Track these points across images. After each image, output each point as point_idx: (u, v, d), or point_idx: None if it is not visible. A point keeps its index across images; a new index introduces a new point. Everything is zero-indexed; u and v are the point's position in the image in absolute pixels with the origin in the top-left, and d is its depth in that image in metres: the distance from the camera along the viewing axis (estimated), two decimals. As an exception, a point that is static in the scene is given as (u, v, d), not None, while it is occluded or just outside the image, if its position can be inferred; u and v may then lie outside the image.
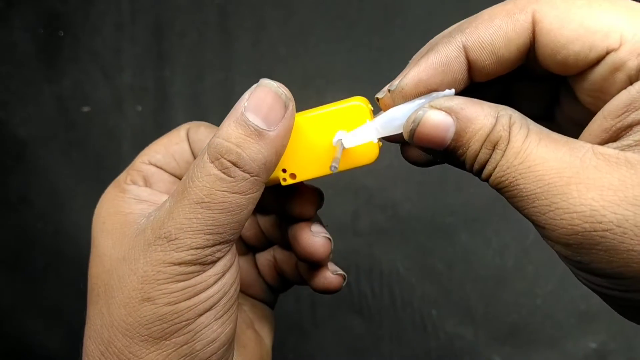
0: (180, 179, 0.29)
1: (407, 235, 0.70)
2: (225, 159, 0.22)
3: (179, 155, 0.29)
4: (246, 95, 0.23)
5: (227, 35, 0.73)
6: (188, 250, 0.22)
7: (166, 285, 0.23)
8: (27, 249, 0.73)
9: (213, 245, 0.23)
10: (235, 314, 0.25)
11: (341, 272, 0.30)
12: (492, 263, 0.69)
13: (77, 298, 0.76)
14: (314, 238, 0.29)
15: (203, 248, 0.22)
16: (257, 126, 0.22)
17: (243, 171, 0.22)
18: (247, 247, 0.32)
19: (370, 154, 0.26)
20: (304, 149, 0.25)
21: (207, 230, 0.22)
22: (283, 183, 0.26)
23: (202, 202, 0.22)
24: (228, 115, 0.23)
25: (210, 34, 0.73)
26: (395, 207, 0.70)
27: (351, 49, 0.72)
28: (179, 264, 0.22)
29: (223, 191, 0.22)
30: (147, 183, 0.28)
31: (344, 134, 0.25)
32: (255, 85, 0.23)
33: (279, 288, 0.33)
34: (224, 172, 0.22)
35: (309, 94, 0.71)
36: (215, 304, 0.24)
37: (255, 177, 0.22)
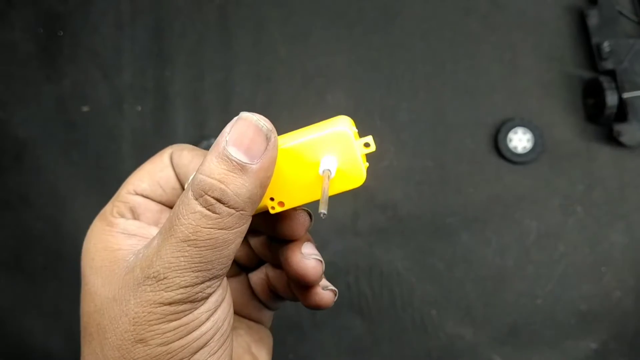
0: (168, 207, 0.29)
1: (407, 235, 0.70)
2: (209, 195, 0.21)
3: (164, 182, 0.28)
4: (227, 129, 0.22)
5: (227, 35, 0.73)
6: (177, 289, 0.22)
7: (158, 326, 0.22)
8: (26, 249, 0.73)
9: (202, 282, 0.22)
10: (230, 346, 0.25)
11: (332, 287, 0.30)
12: (492, 263, 0.69)
13: (77, 298, 0.76)
14: (305, 261, 0.28)
15: (192, 286, 0.22)
16: (240, 160, 0.22)
17: (228, 207, 0.22)
18: (240, 268, 0.32)
19: (357, 178, 0.26)
20: (291, 176, 0.25)
21: (195, 268, 0.22)
22: (272, 211, 0.25)
23: (188, 240, 0.22)
24: (210, 149, 0.22)
25: (210, 34, 0.73)
26: (395, 207, 0.70)
27: (351, 49, 0.72)
28: (169, 303, 0.22)
29: (209, 228, 0.22)
30: (134, 215, 0.28)
31: (330, 160, 0.25)
32: (235, 119, 0.22)
33: (274, 306, 0.33)
34: (208, 209, 0.22)
35: (308, 94, 0.71)
36: (209, 340, 0.24)
37: (241, 212, 0.22)
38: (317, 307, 0.29)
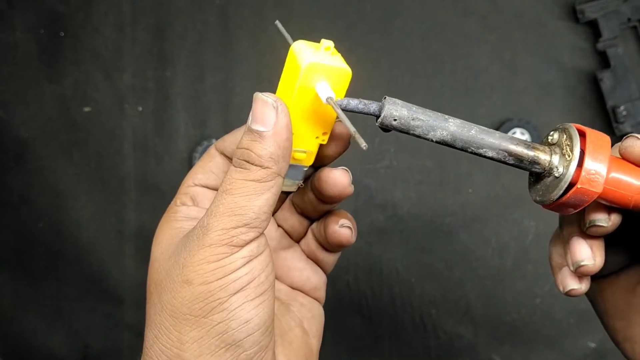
0: None
1: (407, 235, 0.70)
2: (240, 159, 0.27)
3: (215, 168, 0.33)
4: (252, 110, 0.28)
5: (227, 36, 0.73)
6: (216, 231, 0.26)
7: (200, 266, 0.26)
8: (28, 248, 0.73)
9: (237, 227, 0.27)
10: (270, 300, 0.28)
11: (348, 224, 0.34)
12: (491, 263, 0.69)
13: (78, 297, 0.76)
14: (340, 230, 0.33)
15: (228, 229, 0.26)
16: (258, 130, 0.27)
17: (255, 164, 0.27)
18: (292, 240, 0.37)
19: (345, 75, 0.30)
20: (309, 117, 0.30)
21: (230, 212, 0.27)
22: (324, 143, 0.31)
23: (225, 190, 0.27)
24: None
25: (210, 34, 0.73)
26: (394, 207, 0.70)
27: (351, 49, 0.72)
28: (209, 245, 0.26)
29: (240, 179, 0.27)
30: (194, 202, 0.33)
31: (322, 87, 0.29)
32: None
33: (325, 261, 0.37)
34: (241, 168, 0.27)
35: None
36: (245, 286, 0.27)
37: (266, 168, 0.27)
38: (339, 244, 0.33)
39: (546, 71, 0.70)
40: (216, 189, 0.33)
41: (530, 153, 0.29)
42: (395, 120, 0.30)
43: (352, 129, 0.26)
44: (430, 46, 0.71)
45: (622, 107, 0.65)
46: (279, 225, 0.36)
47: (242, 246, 0.27)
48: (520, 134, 0.69)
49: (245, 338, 0.27)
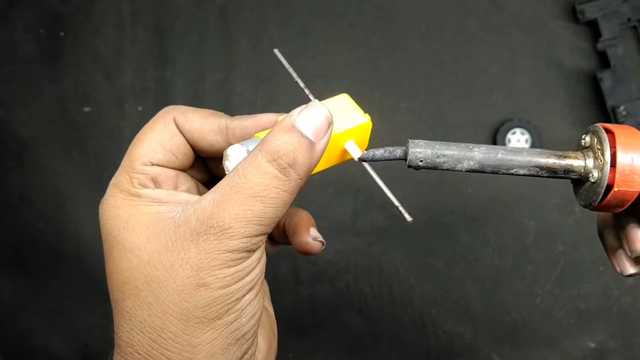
0: (182, 171, 0.32)
1: (407, 235, 0.70)
2: (283, 160, 0.25)
3: (176, 150, 0.31)
4: (296, 111, 0.27)
5: (227, 36, 0.73)
6: (241, 238, 0.25)
7: (220, 271, 0.25)
8: (28, 248, 0.73)
9: (259, 235, 0.26)
10: (265, 288, 0.29)
11: (321, 239, 0.33)
12: (491, 262, 0.69)
13: (78, 297, 0.76)
14: (312, 243, 0.33)
15: (253, 237, 0.25)
16: (309, 137, 0.26)
17: (295, 173, 0.26)
18: None
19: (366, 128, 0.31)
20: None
21: (258, 221, 0.25)
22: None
23: (257, 196, 0.25)
24: (277, 125, 0.26)
25: (210, 34, 0.73)
26: (394, 207, 0.70)
27: (351, 50, 0.72)
28: (232, 251, 0.25)
29: (277, 188, 0.25)
30: (156, 184, 0.30)
31: (352, 145, 0.31)
32: (306, 106, 0.27)
33: (272, 250, 0.37)
34: (280, 172, 0.25)
35: (309, 94, 0.71)
36: (256, 284, 0.27)
37: (301, 179, 0.26)
38: (307, 253, 0.33)
39: (546, 71, 0.70)
40: (178, 169, 0.31)
41: (563, 162, 0.29)
42: (421, 161, 0.31)
43: (395, 201, 0.29)
44: (430, 46, 0.71)
45: (622, 107, 0.66)
46: None
47: (256, 250, 0.27)
48: (520, 134, 0.69)
49: (250, 330, 0.27)
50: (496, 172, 0.30)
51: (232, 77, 0.73)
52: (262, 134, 0.29)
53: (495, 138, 0.69)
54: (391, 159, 0.30)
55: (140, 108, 0.73)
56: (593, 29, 0.69)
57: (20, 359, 0.73)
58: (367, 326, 0.70)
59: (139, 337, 0.27)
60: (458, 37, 0.71)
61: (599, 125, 0.29)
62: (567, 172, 0.29)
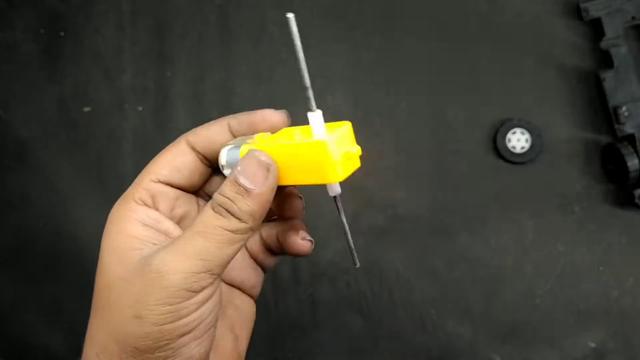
0: (185, 191, 0.33)
1: (407, 235, 0.70)
2: (221, 207, 0.28)
3: (182, 166, 0.32)
4: (240, 162, 0.29)
5: (227, 35, 0.73)
6: (176, 273, 0.26)
7: (155, 307, 0.26)
8: (27, 248, 0.73)
9: (200, 272, 0.27)
10: (213, 333, 0.29)
11: (309, 238, 0.35)
12: (491, 263, 0.69)
13: (78, 297, 0.76)
14: (301, 242, 0.34)
15: (192, 273, 0.27)
16: (245, 185, 0.28)
17: (234, 217, 0.28)
18: None
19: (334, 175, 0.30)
20: (290, 163, 0.30)
21: (198, 256, 0.27)
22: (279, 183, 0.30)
23: (199, 232, 0.27)
24: (228, 177, 0.29)
25: (210, 34, 0.73)
26: (394, 207, 0.70)
27: (351, 50, 0.72)
28: (168, 287, 0.26)
29: (218, 226, 0.27)
30: (154, 202, 0.32)
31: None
32: (244, 156, 0.29)
33: (268, 263, 0.37)
34: (219, 215, 0.28)
35: (309, 94, 0.71)
36: (194, 328, 0.28)
37: (244, 223, 0.28)
38: (298, 254, 0.34)
39: (547, 71, 0.70)
40: (180, 189, 0.33)
41: None
42: None
43: (351, 244, 0.29)
44: (430, 46, 0.71)
45: (624, 108, 0.65)
46: None
47: (199, 291, 0.27)
48: (520, 133, 0.69)
49: None
50: None
51: (232, 77, 0.73)
52: (257, 136, 0.31)
53: (495, 138, 0.69)
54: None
55: (140, 108, 0.73)
56: (596, 27, 0.69)
57: (20, 359, 0.73)
58: (367, 326, 0.70)
59: (89, 348, 0.29)
60: (458, 37, 0.71)
61: None
62: None
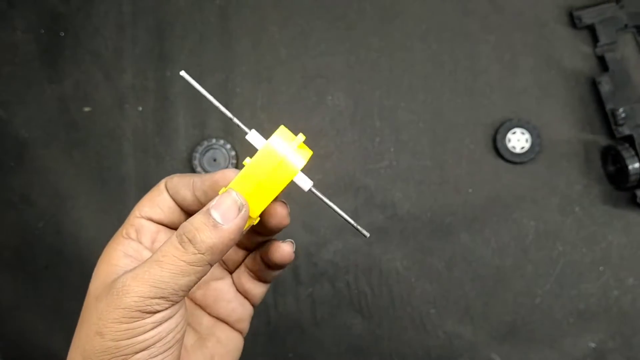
0: (164, 225, 0.35)
1: (407, 235, 0.70)
2: (185, 235, 0.29)
3: (161, 204, 0.35)
4: (216, 197, 0.30)
5: (227, 36, 0.73)
6: (134, 296, 0.28)
7: (113, 325, 0.28)
8: (28, 248, 0.73)
9: (153, 298, 0.28)
10: (175, 354, 0.31)
11: (289, 239, 0.35)
12: (491, 263, 0.69)
13: (78, 297, 0.76)
14: (283, 245, 0.35)
15: (145, 298, 0.28)
16: (215, 219, 0.29)
17: (194, 248, 0.29)
18: (227, 270, 0.38)
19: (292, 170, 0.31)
20: (256, 191, 0.31)
21: (152, 283, 0.28)
22: (255, 222, 0.32)
23: (157, 260, 0.29)
24: (201, 209, 0.30)
25: (210, 34, 0.73)
26: (394, 207, 0.70)
27: (351, 50, 0.72)
28: (124, 307, 0.28)
29: (174, 256, 0.29)
30: (138, 235, 0.34)
31: (301, 177, 0.31)
32: (223, 193, 0.30)
33: (256, 293, 0.38)
34: (180, 244, 0.29)
35: (308, 94, 0.71)
36: (151, 346, 0.29)
37: (202, 255, 0.29)
38: (282, 258, 0.34)
39: (546, 71, 0.70)
40: (160, 224, 0.35)
41: None
42: None
43: (350, 220, 0.30)
44: (429, 46, 0.71)
45: (621, 110, 0.65)
46: None
47: (154, 313, 0.29)
48: (520, 133, 0.69)
49: None
50: None
51: (232, 77, 0.73)
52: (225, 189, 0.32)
53: (495, 138, 0.69)
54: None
55: (140, 108, 0.73)
56: (591, 33, 0.69)
57: (20, 359, 0.73)
58: (366, 326, 0.70)
59: (75, 354, 0.31)
60: (458, 37, 0.71)
61: None
62: None
